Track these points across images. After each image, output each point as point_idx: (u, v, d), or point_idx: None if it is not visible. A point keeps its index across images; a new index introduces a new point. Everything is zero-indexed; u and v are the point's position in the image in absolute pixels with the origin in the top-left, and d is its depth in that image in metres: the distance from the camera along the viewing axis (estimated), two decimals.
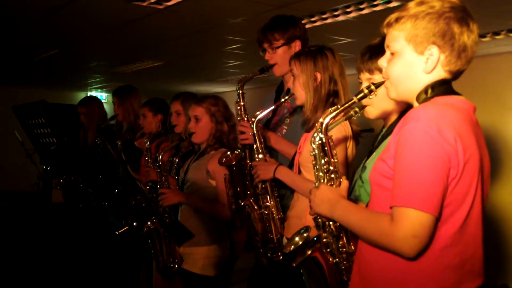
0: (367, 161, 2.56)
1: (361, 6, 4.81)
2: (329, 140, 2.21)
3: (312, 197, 2.19)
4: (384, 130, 2.61)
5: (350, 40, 6.07)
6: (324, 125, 2.18)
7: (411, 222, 1.77)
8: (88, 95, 11.31)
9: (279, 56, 3.54)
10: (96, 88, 11.43)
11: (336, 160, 2.21)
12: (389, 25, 2.00)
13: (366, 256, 2.02)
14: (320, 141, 2.21)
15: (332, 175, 2.19)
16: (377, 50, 2.49)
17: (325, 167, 2.21)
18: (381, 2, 4.67)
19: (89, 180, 5.30)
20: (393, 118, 2.57)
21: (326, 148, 2.20)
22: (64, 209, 5.53)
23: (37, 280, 5.77)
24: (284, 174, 3.14)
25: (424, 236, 1.78)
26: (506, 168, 6.76)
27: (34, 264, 5.90)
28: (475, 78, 6.06)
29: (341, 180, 2.18)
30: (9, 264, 6.76)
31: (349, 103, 2.16)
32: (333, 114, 2.17)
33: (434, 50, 1.93)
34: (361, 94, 2.12)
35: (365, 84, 2.55)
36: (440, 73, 1.97)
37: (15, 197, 8.56)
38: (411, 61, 1.97)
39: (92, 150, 5.58)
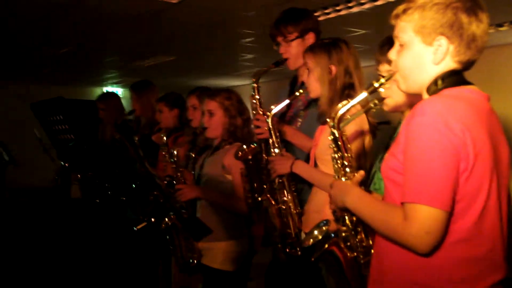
0: (386, 154, 2.54)
1: None
2: (342, 135, 2.20)
3: (331, 191, 2.19)
4: (402, 122, 2.59)
5: (364, 31, 6.04)
6: (336, 120, 2.16)
7: (424, 219, 1.76)
8: (104, 90, 11.33)
9: (293, 49, 3.52)
10: (112, 83, 11.46)
11: (350, 155, 2.20)
12: (397, 16, 1.98)
13: (382, 249, 2.01)
14: (333, 136, 2.20)
15: (347, 170, 2.18)
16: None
17: (339, 161, 2.20)
18: None
19: (107, 175, 5.32)
20: (409, 111, 2.55)
21: (339, 143, 2.19)
22: (82, 204, 5.56)
23: (56, 275, 5.80)
24: (301, 169, 3.12)
25: (437, 232, 1.77)
26: None
27: (53, 259, 5.93)
28: (490, 68, 6.04)
29: (356, 174, 2.17)
30: (29, 259, 6.81)
31: (360, 97, 2.14)
32: (345, 109, 2.15)
33: (443, 41, 1.90)
34: (371, 88, 2.11)
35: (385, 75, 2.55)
36: (450, 64, 1.95)
37: (34, 193, 8.62)
38: (419, 53, 1.95)
39: (110, 145, 5.60)
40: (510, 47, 6.95)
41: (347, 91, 3.04)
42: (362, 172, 2.17)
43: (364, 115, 2.87)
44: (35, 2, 5.07)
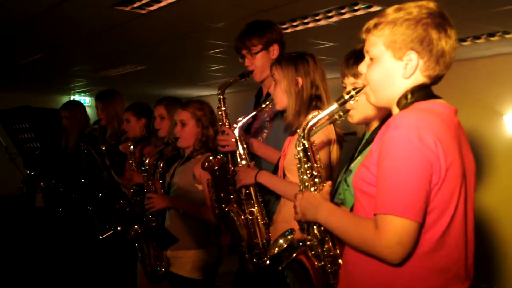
0: (352, 165, 2.56)
1: (342, 11, 4.83)
2: (312, 145, 2.21)
3: (297, 202, 2.19)
4: (368, 134, 2.61)
5: (331, 44, 6.08)
6: (306, 130, 2.17)
7: (395, 230, 1.77)
8: (71, 99, 11.24)
9: (258, 61, 3.54)
10: (80, 92, 11.37)
11: (319, 165, 2.21)
12: (368, 31, 2.00)
13: (352, 259, 2.01)
14: (302, 147, 2.20)
15: (316, 180, 2.19)
16: (362, 55, 2.49)
17: (308, 172, 2.20)
18: (362, 7, 4.68)
19: (70, 184, 5.27)
20: (376, 123, 2.57)
21: (309, 154, 2.19)
22: (45, 213, 5.50)
23: (21, 284, 5.71)
24: (265, 179, 3.14)
25: (408, 242, 1.78)
26: (489, 170, 6.79)
27: (19, 268, 5.84)
28: (456, 82, 6.09)
29: (325, 184, 2.18)
30: None
31: (331, 109, 2.16)
32: (315, 120, 2.17)
33: (413, 56, 1.92)
34: (342, 100, 2.12)
35: (349, 88, 2.56)
36: (419, 78, 1.96)
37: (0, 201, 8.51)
38: (390, 67, 1.97)
39: (73, 154, 5.55)
40: (482, 60, 7.01)
41: (315, 103, 3.06)
42: (329, 183, 2.19)
43: (331, 126, 2.88)
44: (4, 10, 5.01)
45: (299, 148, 2.24)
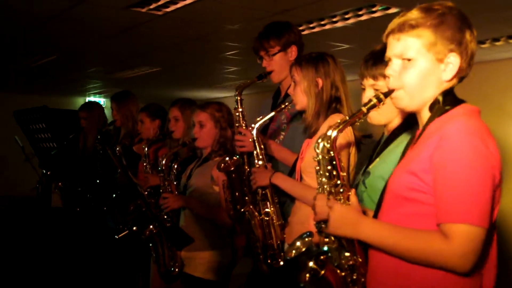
0: (370, 167, 2.53)
1: (360, 13, 4.81)
2: (338, 154, 2.13)
3: (319, 208, 2.18)
4: (386, 135, 2.59)
5: (348, 46, 6.06)
6: (332, 138, 2.07)
7: (470, 238, 1.75)
8: (87, 100, 11.28)
9: (276, 62, 3.54)
10: (95, 94, 11.42)
11: (344, 174, 2.15)
12: (400, 30, 1.94)
13: (394, 269, 1.95)
14: (328, 155, 2.11)
15: (341, 189, 2.10)
16: (381, 56, 2.45)
17: (333, 181, 2.12)
18: (379, 8, 4.66)
19: (88, 184, 5.29)
20: (395, 123, 2.55)
21: (334, 162, 2.10)
22: (62, 213, 5.52)
23: (36, 284, 5.71)
24: (280, 180, 3.13)
25: (480, 250, 1.77)
26: (505, 173, 6.76)
27: (33, 268, 5.84)
28: (475, 84, 6.06)
29: (350, 194, 2.10)
30: (8, 268, 6.72)
31: (358, 113, 2.07)
32: (341, 126, 2.08)
33: (453, 58, 1.89)
34: (371, 104, 2.03)
35: (368, 90, 2.54)
36: (452, 82, 1.94)
37: (15, 202, 8.55)
38: (429, 69, 1.92)
39: (91, 154, 5.57)
40: (501, 62, 6.98)
41: (334, 104, 3.04)
42: (354, 191, 2.14)
43: (350, 128, 2.86)
44: (19, 12, 5.03)
45: (319, 149, 2.20)
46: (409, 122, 2.45)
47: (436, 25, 1.88)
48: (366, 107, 2.05)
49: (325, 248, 2.20)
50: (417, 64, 1.92)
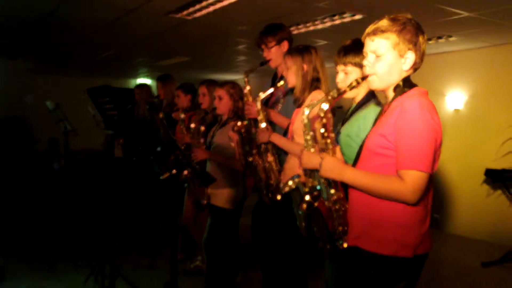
0: (342, 128, 2.53)
1: (334, 18, 4.74)
2: (329, 120, 2.13)
3: (305, 159, 2.21)
4: (354, 106, 2.59)
5: (326, 42, 5.98)
6: (325, 109, 2.07)
7: (419, 180, 1.82)
8: (138, 81, 11.22)
9: (273, 53, 3.51)
10: (143, 76, 11.33)
11: (333, 135, 2.16)
12: (375, 33, 1.98)
13: (365, 201, 1.99)
14: (322, 121, 2.11)
15: (330, 146, 2.13)
16: (349, 48, 2.52)
17: (323, 140, 2.13)
18: (348, 15, 4.60)
19: (140, 140, 5.31)
20: (359, 98, 2.56)
21: (326, 126, 2.12)
22: (122, 162, 5.56)
23: (99, 215, 5.81)
24: (277, 138, 3.13)
25: (424, 188, 1.85)
26: None
27: (101, 199, 5.90)
28: (420, 71, 6.04)
29: (336, 149, 2.15)
30: (84, 199, 6.78)
31: (343, 92, 2.10)
32: (331, 101, 2.07)
33: (411, 54, 1.95)
34: (352, 85, 2.07)
35: (340, 73, 2.58)
36: (410, 71, 2.01)
37: (90, 153, 8.61)
38: (394, 62, 1.97)
39: (143, 119, 5.59)
40: (429, 56, 6.93)
41: (316, 83, 3.04)
42: (338, 147, 2.19)
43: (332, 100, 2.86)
44: (86, 20, 4.97)
45: (304, 116, 2.19)
46: (369, 97, 2.48)
47: (400, 31, 1.93)
48: (349, 87, 2.08)
49: (318, 186, 2.21)
50: (385, 58, 1.97)
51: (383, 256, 1.93)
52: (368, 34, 2.01)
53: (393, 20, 1.95)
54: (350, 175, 1.98)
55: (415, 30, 1.94)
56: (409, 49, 1.94)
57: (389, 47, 1.96)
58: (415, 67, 2.00)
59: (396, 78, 2.00)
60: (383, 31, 1.96)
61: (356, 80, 2.06)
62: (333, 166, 2.03)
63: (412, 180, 1.81)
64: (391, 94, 2.03)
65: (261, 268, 3.70)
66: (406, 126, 1.85)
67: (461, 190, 6.69)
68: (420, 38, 1.95)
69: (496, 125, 6.17)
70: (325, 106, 2.06)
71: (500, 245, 5.94)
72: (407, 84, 1.99)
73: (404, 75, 2.00)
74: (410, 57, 1.95)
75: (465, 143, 6.59)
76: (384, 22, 1.97)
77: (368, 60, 2.04)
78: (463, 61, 6.61)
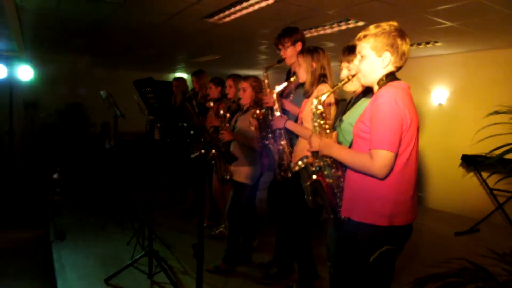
0: (343, 117, 2.52)
1: (340, 24, 4.67)
2: (325, 110, 2.19)
3: (313, 142, 2.20)
4: (353, 99, 2.57)
5: (333, 44, 5.91)
6: (323, 100, 2.16)
7: (384, 158, 1.83)
8: (176, 75, 11.26)
9: (288, 52, 3.48)
10: (181, 71, 11.36)
11: (331, 121, 2.22)
12: (359, 39, 2.01)
13: (353, 178, 2.03)
14: (319, 111, 2.18)
15: (328, 131, 2.18)
16: (352, 49, 2.46)
17: (323, 126, 2.19)
18: (353, 22, 4.53)
19: (177, 124, 5.34)
20: (358, 91, 2.54)
21: (324, 115, 2.18)
22: (160, 143, 5.62)
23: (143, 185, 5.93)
24: (290, 125, 3.13)
25: (390, 165, 1.84)
26: (421, 125, 6.76)
27: (144, 173, 5.99)
28: (411, 71, 5.96)
29: (333, 134, 2.17)
30: (130, 173, 6.87)
31: (336, 87, 2.18)
32: (328, 94, 2.17)
33: (387, 54, 1.95)
34: (344, 81, 2.17)
35: (344, 70, 2.55)
36: (390, 68, 1.99)
37: (134, 135, 8.71)
38: (374, 61, 1.99)
39: (179, 107, 5.62)
40: (418, 58, 6.88)
41: (322, 78, 3.02)
42: (335, 133, 2.19)
43: (333, 94, 2.84)
44: (134, 23, 4.99)
45: (313, 106, 2.20)
46: (366, 91, 2.45)
47: (377, 35, 1.94)
48: (342, 83, 2.17)
49: (321, 165, 2.23)
50: (366, 58, 2.01)
51: (367, 225, 1.95)
52: (358, 38, 2.03)
53: (375, 27, 1.97)
54: (335, 151, 2.05)
55: (393, 34, 1.93)
56: (386, 50, 1.94)
57: (369, 49, 1.98)
58: (396, 66, 1.98)
59: (378, 74, 2.00)
60: (365, 36, 1.99)
61: (347, 76, 2.14)
62: (326, 145, 2.10)
63: (379, 158, 1.83)
64: (376, 88, 2.04)
65: (274, 234, 3.73)
66: (375, 111, 1.86)
67: (441, 171, 6.73)
68: (398, 41, 1.93)
69: (472, 116, 6.21)
70: (324, 97, 2.15)
71: (470, 218, 6.05)
72: (389, 78, 1.99)
73: (386, 71, 1.99)
74: (387, 57, 1.95)
75: (446, 132, 6.63)
76: (369, 29, 1.99)
77: (357, 60, 2.08)
78: (447, 63, 6.60)
